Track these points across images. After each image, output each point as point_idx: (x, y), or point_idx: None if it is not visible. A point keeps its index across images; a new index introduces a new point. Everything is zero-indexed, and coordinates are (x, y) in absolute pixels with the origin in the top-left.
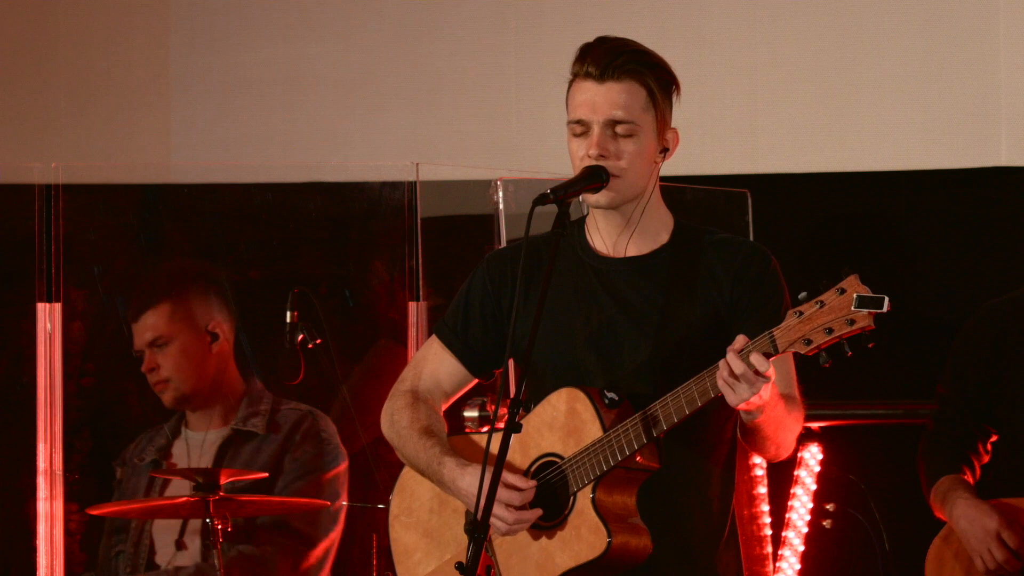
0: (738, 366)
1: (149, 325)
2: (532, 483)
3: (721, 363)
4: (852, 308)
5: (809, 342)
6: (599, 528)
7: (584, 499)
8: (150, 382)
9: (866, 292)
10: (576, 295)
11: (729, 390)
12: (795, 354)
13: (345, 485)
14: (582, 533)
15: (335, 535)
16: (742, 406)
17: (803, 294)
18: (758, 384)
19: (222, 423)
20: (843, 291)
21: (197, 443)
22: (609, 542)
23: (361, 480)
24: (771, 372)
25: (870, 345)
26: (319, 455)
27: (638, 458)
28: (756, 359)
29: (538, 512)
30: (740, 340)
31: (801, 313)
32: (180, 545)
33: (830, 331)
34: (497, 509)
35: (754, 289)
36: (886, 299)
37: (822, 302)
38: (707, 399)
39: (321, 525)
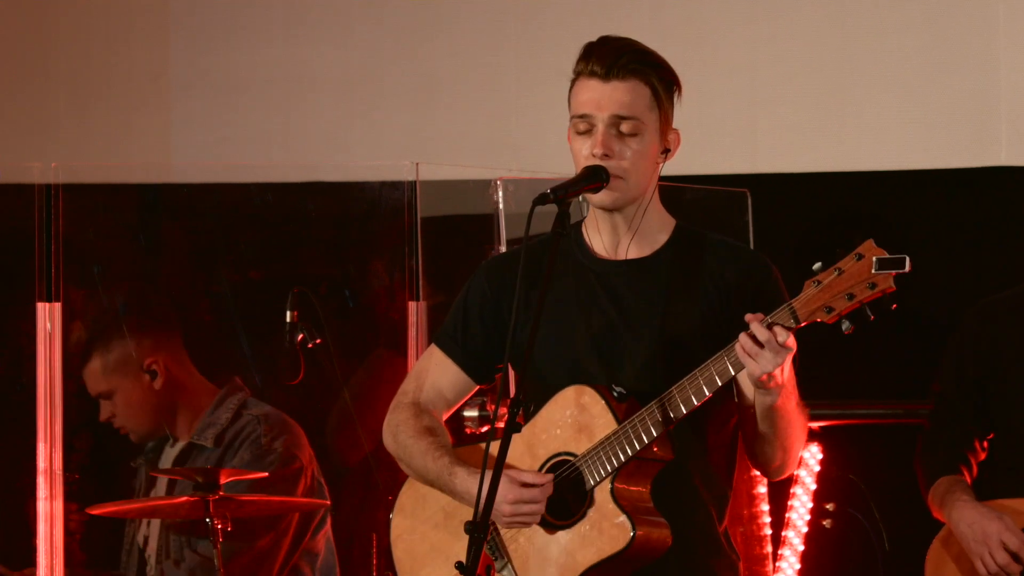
0: (762, 333)
1: (90, 382)
2: (548, 477)
3: (741, 336)
4: (873, 271)
5: (831, 310)
6: (622, 521)
7: (603, 493)
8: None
9: (884, 254)
10: (577, 298)
11: (751, 361)
12: (794, 363)
13: (297, 490)
14: (603, 527)
15: (264, 543)
16: (763, 379)
17: (818, 264)
18: (781, 354)
19: (192, 433)
20: (861, 256)
21: (173, 451)
22: (633, 535)
23: (361, 480)
24: (792, 343)
25: (893, 307)
26: (254, 461)
27: (654, 448)
28: (778, 330)
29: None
30: (757, 316)
31: (819, 282)
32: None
33: (851, 296)
34: (523, 508)
35: (755, 298)
36: (907, 259)
37: (840, 269)
38: (727, 378)
39: (246, 532)
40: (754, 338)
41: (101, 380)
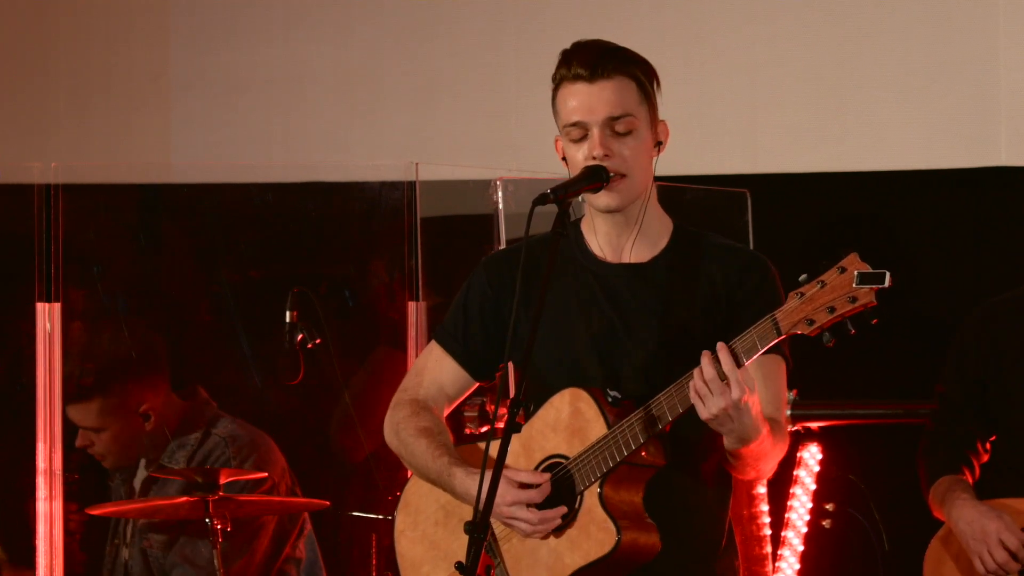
0: (708, 370)
1: (80, 416)
2: (546, 476)
3: (695, 372)
4: (854, 285)
5: (812, 322)
6: (608, 525)
7: (592, 497)
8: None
9: (867, 269)
10: (577, 299)
11: (699, 401)
12: (788, 370)
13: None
14: (591, 531)
15: (256, 552)
16: (710, 421)
17: (803, 276)
18: (725, 396)
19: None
20: (843, 269)
21: (146, 472)
22: (618, 539)
23: (362, 480)
24: (755, 399)
25: (873, 321)
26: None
27: (643, 453)
28: (724, 359)
29: (562, 510)
30: (721, 345)
31: (802, 294)
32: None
33: (832, 310)
34: (519, 512)
35: (752, 298)
36: (887, 274)
37: (823, 282)
38: (688, 405)
39: (239, 542)
40: (702, 375)
41: (95, 418)
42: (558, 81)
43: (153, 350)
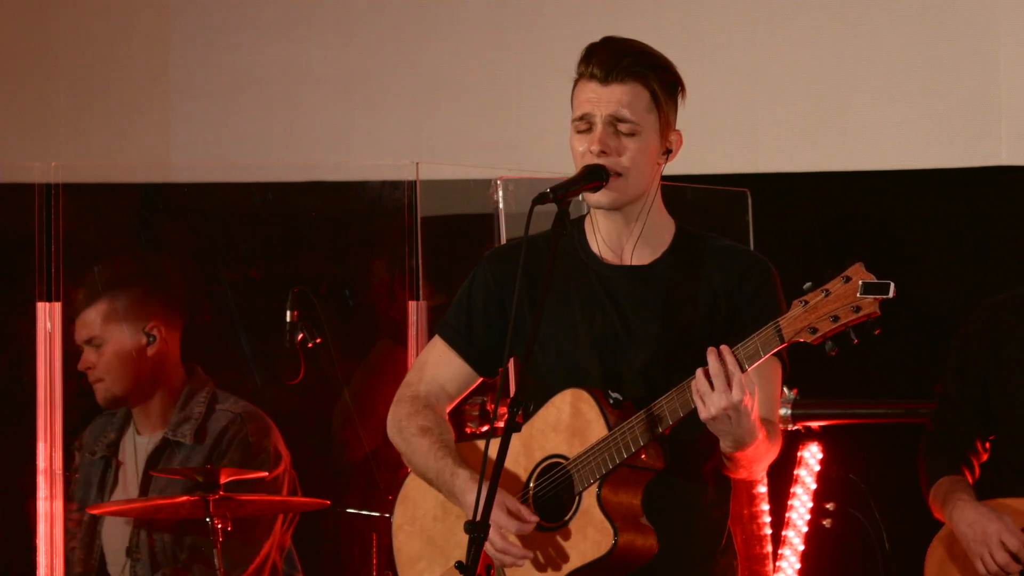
0: (714, 366)
1: (87, 323)
2: (534, 519)
3: (698, 372)
4: (858, 295)
5: (815, 331)
6: (605, 527)
7: (590, 498)
8: (88, 378)
9: (871, 279)
10: (579, 298)
11: (700, 403)
12: (785, 372)
13: (284, 487)
14: (588, 532)
15: (268, 546)
16: (709, 423)
17: (808, 284)
18: (726, 396)
19: (162, 427)
20: (848, 279)
21: (141, 446)
22: (615, 541)
23: (362, 479)
24: (743, 398)
25: (876, 332)
26: (245, 462)
27: (643, 456)
28: (730, 363)
29: (528, 553)
30: (725, 348)
31: (807, 302)
32: (129, 552)
33: (836, 319)
34: (492, 532)
35: (751, 301)
36: (891, 285)
37: (827, 291)
38: (689, 409)
39: (253, 540)
40: (707, 374)
41: (99, 325)
42: (577, 76)
43: (174, 285)
